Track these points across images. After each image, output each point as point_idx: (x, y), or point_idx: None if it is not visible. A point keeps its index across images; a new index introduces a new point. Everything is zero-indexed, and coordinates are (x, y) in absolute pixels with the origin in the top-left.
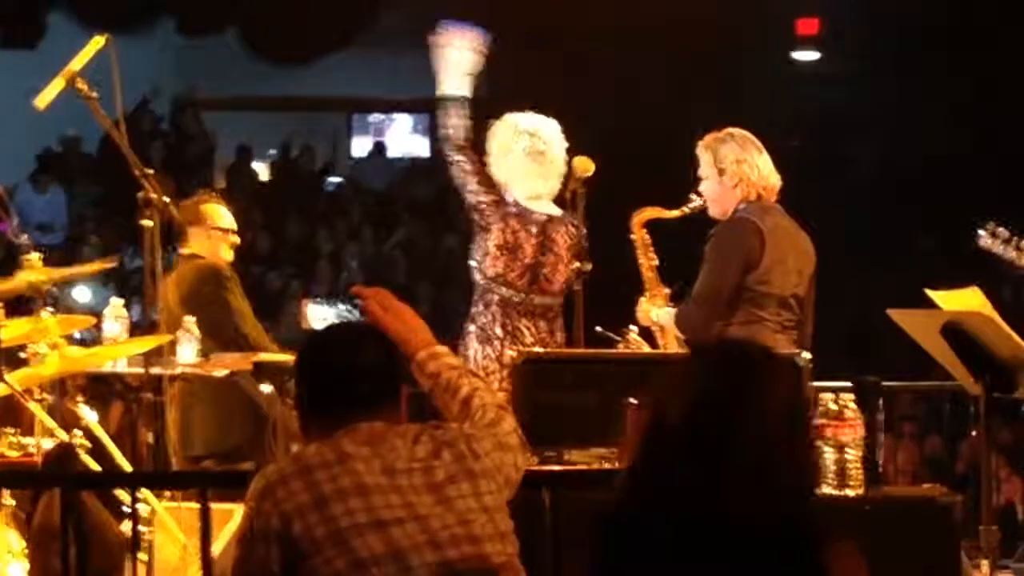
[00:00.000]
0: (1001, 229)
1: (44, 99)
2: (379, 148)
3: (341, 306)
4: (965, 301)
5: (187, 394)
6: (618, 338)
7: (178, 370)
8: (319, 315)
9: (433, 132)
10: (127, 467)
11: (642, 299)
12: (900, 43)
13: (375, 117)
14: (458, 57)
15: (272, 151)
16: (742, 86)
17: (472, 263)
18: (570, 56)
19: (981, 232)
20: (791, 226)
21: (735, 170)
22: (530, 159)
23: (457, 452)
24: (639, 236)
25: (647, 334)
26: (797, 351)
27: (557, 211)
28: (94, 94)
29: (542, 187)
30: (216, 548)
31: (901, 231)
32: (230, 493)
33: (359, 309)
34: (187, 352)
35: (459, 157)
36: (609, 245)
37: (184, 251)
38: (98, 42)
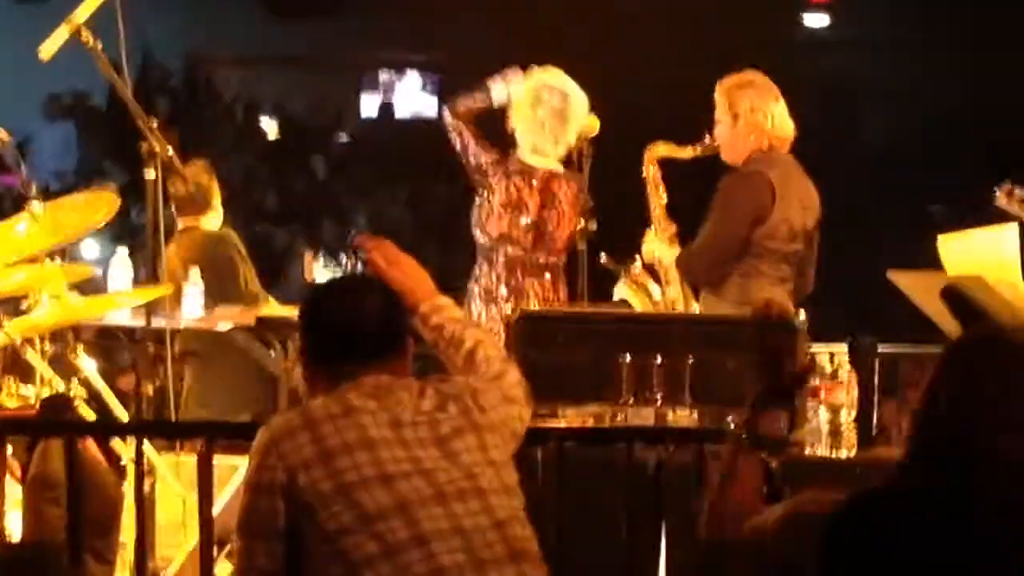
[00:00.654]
0: (1018, 189)
1: (48, 50)
2: (387, 107)
3: (344, 259)
4: (992, 240)
5: (196, 374)
6: (621, 270)
7: (182, 324)
8: (322, 267)
9: (441, 92)
10: (125, 418)
11: (648, 234)
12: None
13: (384, 76)
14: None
15: (281, 108)
16: (751, 51)
17: (475, 225)
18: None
19: (997, 192)
20: (800, 179)
21: (750, 118)
22: (553, 118)
23: (463, 405)
24: (650, 172)
25: (651, 269)
26: (794, 311)
27: (559, 167)
28: (98, 45)
29: (551, 147)
30: (218, 505)
31: (910, 197)
32: (234, 447)
33: (362, 261)
34: (191, 306)
35: (458, 123)
36: (616, 205)
37: (181, 224)
38: None
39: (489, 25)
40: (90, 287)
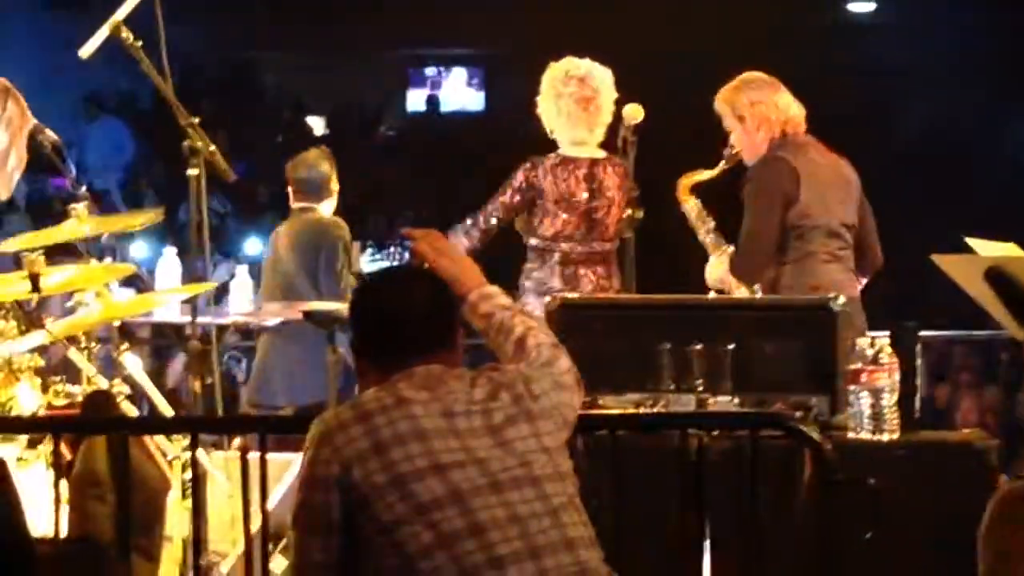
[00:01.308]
0: None
1: (88, 49)
2: (433, 102)
3: (391, 248)
4: (1005, 251)
5: (271, 349)
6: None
7: (229, 319)
8: (369, 258)
9: (488, 86)
10: (169, 415)
11: (711, 261)
12: None
13: (431, 71)
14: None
15: (327, 104)
16: (795, 37)
17: (524, 231)
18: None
19: None
20: (826, 157)
21: (752, 113)
22: (577, 106)
23: (515, 393)
24: (689, 204)
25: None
26: (833, 296)
27: (601, 153)
28: (138, 43)
29: (587, 135)
30: (272, 499)
31: (955, 183)
32: (288, 442)
33: (410, 252)
34: (239, 301)
35: (487, 228)
36: (661, 195)
37: (297, 204)
38: None
39: (535, 17)
40: (143, 288)
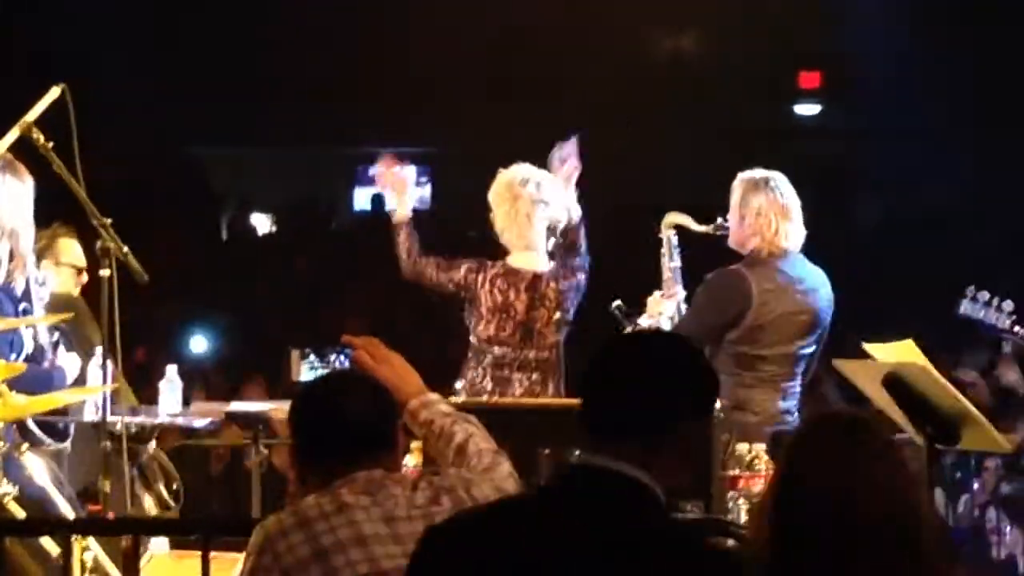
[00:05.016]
0: (983, 293)
1: None
2: (379, 200)
3: (331, 357)
4: (901, 353)
5: None
6: (627, 321)
7: (160, 419)
8: (308, 366)
9: (435, 183)
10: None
11: (656, 295)
12: (902, 98)
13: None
14: (403, 178)
15: (272, 202)
16: (742, 139)
17: (468, 326)
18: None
19: (962, 300)
20: (791, 284)
21: (753, 221)
22: (534, 207)
23: (456, 498)
24: (666, 236)
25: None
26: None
27: (545, 267)
28: (49, 144)
29: (536, 237)
30: None
31: (902, 286)
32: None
33: (349, 359)
34: (169, 402)
35: (419, 269)
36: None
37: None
38: (55, 92)
39: (483, 116)
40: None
